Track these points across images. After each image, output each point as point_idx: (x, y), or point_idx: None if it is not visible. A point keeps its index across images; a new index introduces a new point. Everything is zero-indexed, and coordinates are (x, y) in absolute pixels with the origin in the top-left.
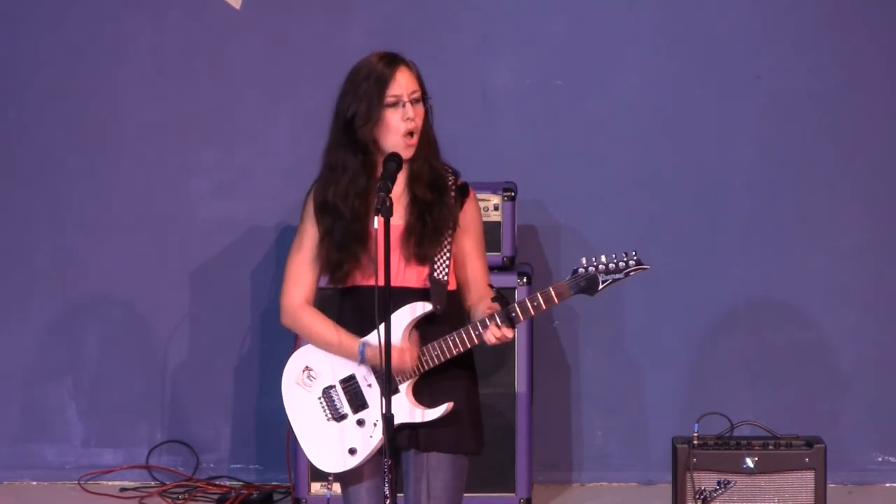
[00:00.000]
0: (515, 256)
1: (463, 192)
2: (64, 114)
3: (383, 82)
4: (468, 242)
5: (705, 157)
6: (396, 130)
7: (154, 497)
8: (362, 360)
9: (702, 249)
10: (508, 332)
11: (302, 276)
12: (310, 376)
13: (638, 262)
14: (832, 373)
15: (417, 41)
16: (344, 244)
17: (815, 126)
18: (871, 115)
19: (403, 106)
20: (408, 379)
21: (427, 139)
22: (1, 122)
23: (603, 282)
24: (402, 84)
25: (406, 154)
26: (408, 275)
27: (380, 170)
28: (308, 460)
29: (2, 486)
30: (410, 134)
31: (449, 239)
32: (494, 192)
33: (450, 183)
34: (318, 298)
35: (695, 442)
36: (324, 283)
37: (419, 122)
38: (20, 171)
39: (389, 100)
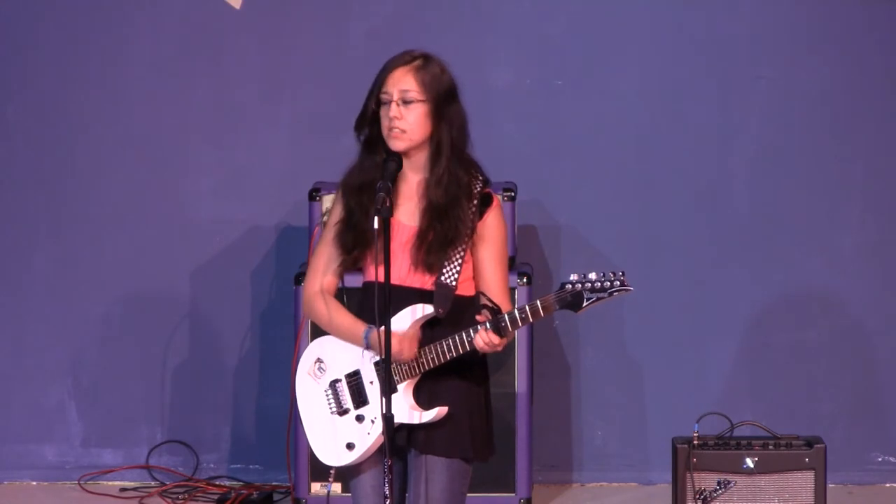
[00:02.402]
0: (515, 256)
1: (485, 201)
2: (63, 113)
3: (380, 79)
4: (485, 252)
5: (705, 156)
6: (384, 127)
7: (154, 497)
8: (368, 346)
9: (702, 249)
10: (496, 340)
11: (321, 263)
12: (320, 368)
13: (622, 284)
14: (832, 373)
15: (417, 41)
16: (358, 230)
17: (815, 126)
18: (872, 115)
19: (390, 105)
20: (406, 378)
21: (446, 144)
22: (0, 122)
23: (587, 299)
24: (393, 82)
25: (393, 147)
26: (416, 277)
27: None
28: (308, 460)
29: (2, 486)
30: (394, 131)
31: (462, 248)
32: (494, 192)
33: (475, 191)
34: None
35: (695, 442)
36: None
37: (406, 123)
38: (20, 170)
39: (382, 97)
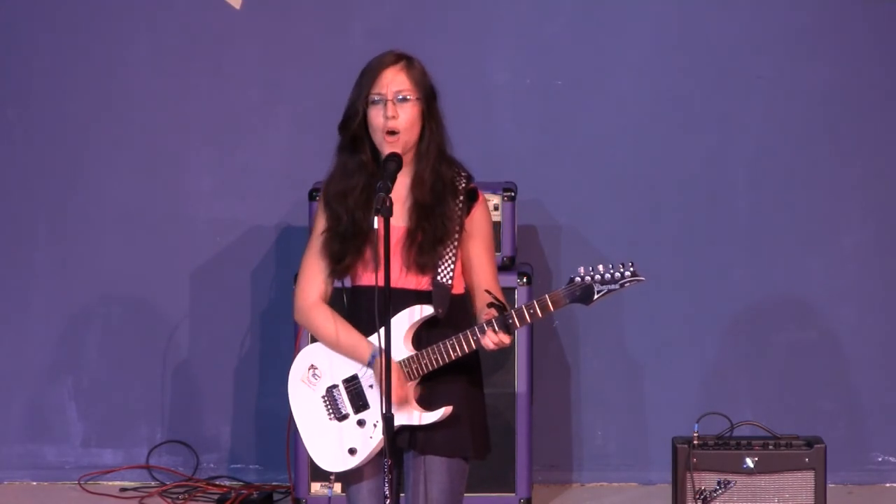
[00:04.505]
0: (515, 256)
1: (472, 196)
2: (64, 114)
3: (370, 80)
4: (475, 248)
5: (705, 157)
6: (377, 128)
7: (154, 497)
8: (370, 366)
9: (702, 249)
10: (505, 339)
11: (314, 272)
12: (315, 375)
13: (634, 274)
14: (832, 373)
15: (417, 41)
16: (346, 237)
17: (814, 126)
18: (871, 115)
19: (385, 104)
20: (408, 381)
21: (430, 142)
22: (1, 122)
23: (598, 292)
24: (386, 82)
25: (389, 150)
26: (410, 278)
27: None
28: (308, 460)
29: (2, 486)
30: (391, 133)
31: (452, 245)
32: (494, 192)
33: (460, 187)
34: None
35: (695, 442)
36: (337, 283)
37: (402, 122)
38: (20, 170)
39: (372, 97)
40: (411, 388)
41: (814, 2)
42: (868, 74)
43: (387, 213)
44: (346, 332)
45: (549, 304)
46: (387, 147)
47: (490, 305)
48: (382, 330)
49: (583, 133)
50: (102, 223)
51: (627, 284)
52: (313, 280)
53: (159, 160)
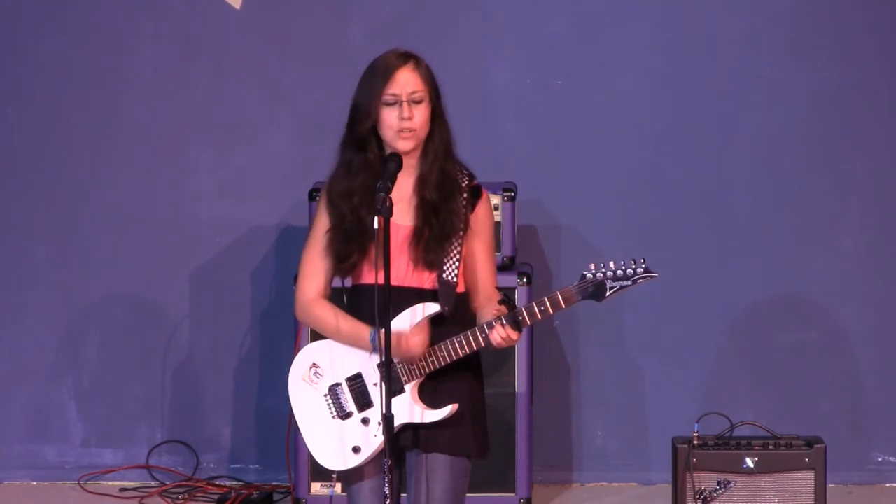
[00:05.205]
0: (515, 256)
1: (475, 194)
2: (64, 114)
3: (383, 80)
4: (478, 245)
5: (705, 156)
6: (391, 128)
7: (154, 497)
8: (375, 348)
9: (702, 249)
10: (514, 335)
11: (315, 269)
12: (316, 373)
13: (646, 270)
14: (832, 373)
15: (417, 41)
16: (350, 235)
17: (814, 126)
18: (871, 115)
19: (400, 105)
20: (414, 378)
21: (438, 141)
22: (1, 122)
23: (610, 288)
24: (401, 83)
25: (402, 147)
26: (416, 276)
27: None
28: (309, 460)
29: (2, 486)
30: (405, 132)
31: (458, 242)
32: (494, 192)
33: (463, 185)
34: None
35: (695, 442)
36: (337, 283)
37: (418, 122)
38: (20, 171)
39: (387, 98)
40: (424, 332)
41: (814, 2)
42: (867, 74)
43: (387, 213)
44: (344, 319)
45: (561, 300)
46: (401, 144)
47: (500, 302)
48: (383, 331)
49: (583, 133)
50: (103, 223)
51: (640, 281)
52: (314, 277)
53: (159, 160)
